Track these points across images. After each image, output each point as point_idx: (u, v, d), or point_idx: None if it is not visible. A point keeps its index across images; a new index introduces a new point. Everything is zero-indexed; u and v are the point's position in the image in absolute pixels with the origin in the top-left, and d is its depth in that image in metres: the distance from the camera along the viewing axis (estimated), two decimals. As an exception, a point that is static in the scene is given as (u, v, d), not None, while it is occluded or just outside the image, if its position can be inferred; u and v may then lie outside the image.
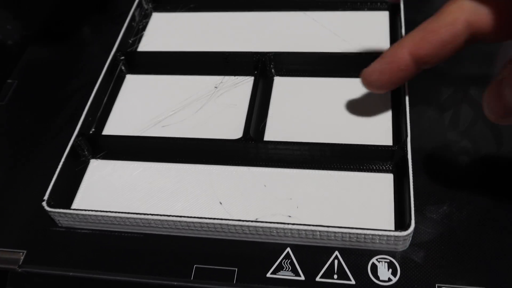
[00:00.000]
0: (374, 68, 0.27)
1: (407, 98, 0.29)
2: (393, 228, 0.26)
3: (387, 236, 0.25)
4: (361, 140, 0.30)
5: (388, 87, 0.28)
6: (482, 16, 0.23)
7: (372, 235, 0.25)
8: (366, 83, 0.28)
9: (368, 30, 0.36)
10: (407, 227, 0.24)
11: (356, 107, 0.31)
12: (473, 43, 0.25)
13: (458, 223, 0.26)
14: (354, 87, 0.32)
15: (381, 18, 0.37)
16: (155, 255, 0.27)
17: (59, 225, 0.29)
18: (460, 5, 0.24)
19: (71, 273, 0.27)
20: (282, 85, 0.34)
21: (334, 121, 0.31)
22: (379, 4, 0.37)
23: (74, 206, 0.30)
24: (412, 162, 0.27)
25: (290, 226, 0.25)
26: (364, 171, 0.29)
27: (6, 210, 0.30)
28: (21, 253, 0.28)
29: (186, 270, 0.26)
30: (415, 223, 0.26)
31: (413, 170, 0.27)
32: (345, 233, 0.25)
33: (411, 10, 0.35)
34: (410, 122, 0.28)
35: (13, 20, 0.63)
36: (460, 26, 0.24)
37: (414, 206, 0.26)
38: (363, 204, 0.27)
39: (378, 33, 0.36)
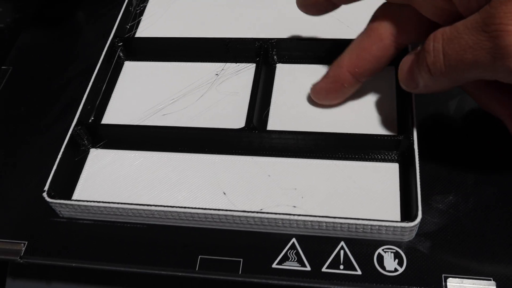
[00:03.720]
0: (320, 87, 0.30)
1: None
2: (399, 219, 0.26)
3: (394, 227, 0.24)
4: (366, 129, 0.29)
5: (336, 101, 0.30)
6: (403, 26, 0.26)
7: (379, 226, 0.24)
8: (316, 99, 0.31)
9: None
10: (414, 218, 0.24)
11: (361, 95, 0.31)
12: (403, 48, 0.27)
13: (464, 213, 0.26)
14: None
15: (385, 4, 0.36)
16: (158, 246, 0.27)
17: (60, 215, 0.28)
18: (381, 22, 0.26)
19: (73, 264, 0.27)
20: (284, 72, 0.33)
21: (338, 110, 0.31)
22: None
23: (75, 196, 0.29)
24: (418, 151, 0.27)
25: (295, 217, 0.25)
26: (370, 161, 0.28)
27: (6, 200, 0.30)
28: (22, 244, 0.27)
29: (191, 261, 0.26)
30: (422, 213, 0.26)
31: (419, 160, 0.27)
32: (352, 224, 0.25)
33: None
34: (416, 111, 0.28)
35: (4, 2, 0.61)
36: (387, 41, 0.26)
37: (420, 196, 0.26)
38: (369, 194, 0.27)
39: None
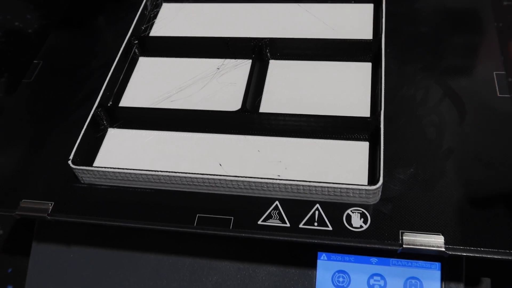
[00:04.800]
0: None
1: (383, 77, 0.34)
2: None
3: (359, 189, 0.29)
4: (344, 113, 0.34)
5: None
6: None
7: (347, 188, 0.29)
8: None
9: (354, 20, 0.40)
10: (376, 182, 0.29)
11: (341, 86, 0.36)
12: None
13: (422, 182, 0.31)
14: (340, 69, 0.37)
15: (366, 10, 0.41)
16: (163, 207, 0.32)
17: (82, 181, 0.34)
18: None
19: (92, 221, 0.32)
20: (276, 67, 0.38)
21: (321, 98, 0.36)
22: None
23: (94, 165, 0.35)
24: (385, 132, 0.32)
25: (278, 181, 0.30)
26: (344, 139, 0.33)
27: (37, 168, 0.35)
28: (49, 204, 0.33)
29: (190, 218, 0.31)
30: (385, 182, 0.31)
31: (385, 138, 0.32)
32: (324, 187, 0.30)
33: (393, 3, 0.40)
34: (385, 98, 0.33)
35: (33, 10, 0.68)
36: None
37: (385, 169, 0.31)
38: (342, 167, 0.32)
39: (363, 22, 0.40)
